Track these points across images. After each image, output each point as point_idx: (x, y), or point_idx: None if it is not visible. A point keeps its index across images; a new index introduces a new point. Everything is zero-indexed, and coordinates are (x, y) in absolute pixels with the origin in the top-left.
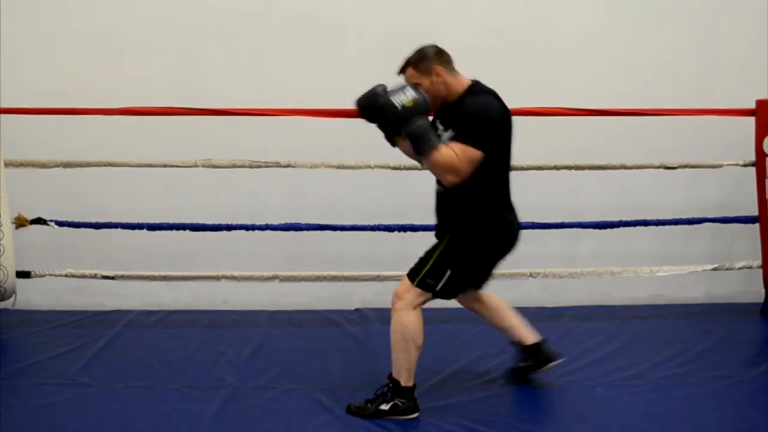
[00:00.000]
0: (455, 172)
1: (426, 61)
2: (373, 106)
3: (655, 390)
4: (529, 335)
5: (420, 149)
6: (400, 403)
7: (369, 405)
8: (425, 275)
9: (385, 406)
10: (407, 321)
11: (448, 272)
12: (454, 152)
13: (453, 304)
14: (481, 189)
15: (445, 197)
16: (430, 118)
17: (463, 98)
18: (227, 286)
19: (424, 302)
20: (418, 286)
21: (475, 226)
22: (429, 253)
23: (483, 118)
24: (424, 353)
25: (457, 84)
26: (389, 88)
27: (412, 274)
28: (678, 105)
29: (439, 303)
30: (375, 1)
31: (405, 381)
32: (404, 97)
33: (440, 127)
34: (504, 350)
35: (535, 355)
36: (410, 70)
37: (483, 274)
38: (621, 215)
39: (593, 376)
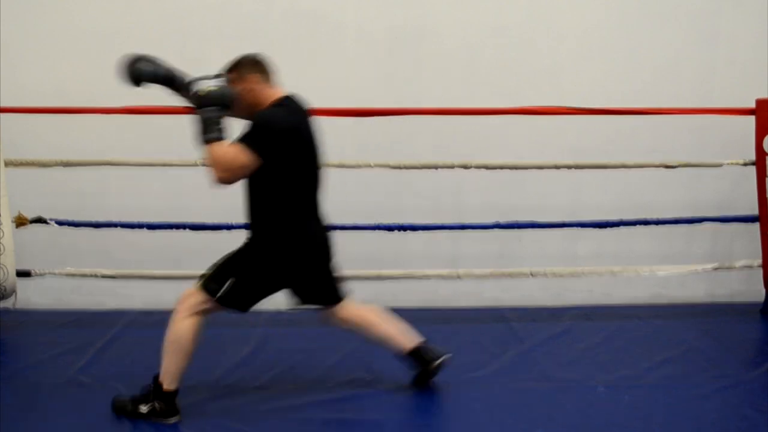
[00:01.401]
0: (222, 170)
1: (239, 68)
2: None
3: (655, 390)
4: (406, 341)
5: (200, 137)
6: (158, 406)
7: (131, 403)
8: (210, 278)
9: (144, 408)
10: (180, 329)
11: (231, 280)
12: (227, 151)
13: (453, 304)
14: (275, 202)
15: (247, 206)
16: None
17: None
18: None
19: (207, 311)
20: (202, 288)
21: (264, 238)
22: (222, 258)
23: (264, 127)
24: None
25: (267, 95)
26: (206, 75)
27: (201, 277)
28: (678, 105)
29: (440, 303)
30: (375, 1)
31: (167, 384)
32: (203, 85)
33: None
34: (501, 350)
35: (418, 358)
36: (229, 75)
37: (274, 286)
38: (621, 215)
39: (593, 376)
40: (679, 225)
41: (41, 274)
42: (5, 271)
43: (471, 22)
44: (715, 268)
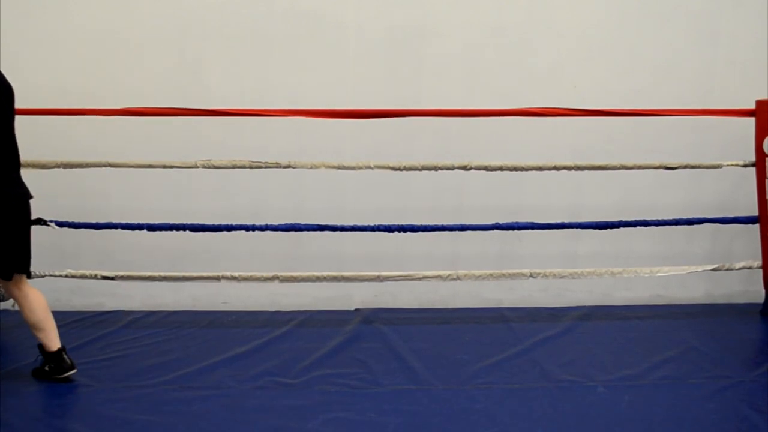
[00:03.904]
0: None
1: None
2: None
3: (655, 390)
4: (54, 341)
5: None
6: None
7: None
8: None
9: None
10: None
11: None
12: None
13: (453, 304)
14: None
15: None
16: None
17: None
18: (227, 287)
19: None
20: None
21: None
22: None
23: None
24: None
25: None
26: None
27: None
28: (678, 105)
29: (440, 303)
30: (375, 0)
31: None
32: None
33: None
34: (501, 350)
35: (55, 362)
36: None
37: None
38: (621, 215)
39: (593, 376)
40: (679, 226)
41: (41, 276)
42: None
43: (471, 22)
44: (715, 269)
